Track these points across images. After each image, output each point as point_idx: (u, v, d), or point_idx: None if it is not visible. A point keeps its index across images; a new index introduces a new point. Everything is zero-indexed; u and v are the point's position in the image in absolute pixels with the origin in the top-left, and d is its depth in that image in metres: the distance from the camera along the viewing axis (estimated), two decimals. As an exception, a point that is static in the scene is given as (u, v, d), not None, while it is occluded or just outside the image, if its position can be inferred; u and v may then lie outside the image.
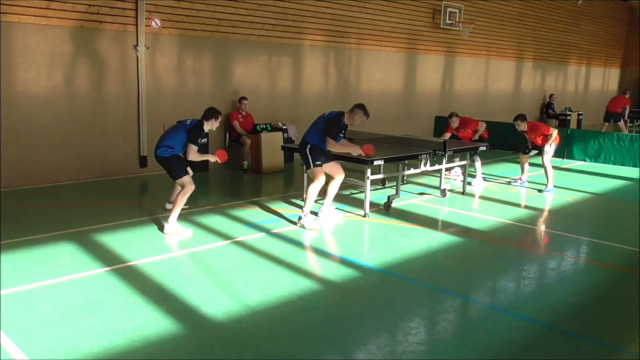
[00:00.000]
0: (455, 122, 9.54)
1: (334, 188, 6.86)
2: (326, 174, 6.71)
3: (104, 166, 9.24)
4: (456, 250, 6.09)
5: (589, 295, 4.99)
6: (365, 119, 6.68)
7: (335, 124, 6.57)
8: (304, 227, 6.54)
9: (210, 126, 6.42)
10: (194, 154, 6.25)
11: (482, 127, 9.60)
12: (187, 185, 6.28)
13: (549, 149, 8.82)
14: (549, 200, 8.47)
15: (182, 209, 6.82)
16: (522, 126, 8.89)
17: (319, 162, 6.66)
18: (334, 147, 6.64)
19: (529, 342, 4.03)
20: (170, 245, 5.91)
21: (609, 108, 16.71)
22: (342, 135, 6.69)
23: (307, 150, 6.66)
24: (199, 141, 6.32)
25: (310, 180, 6.80)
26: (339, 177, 6.82)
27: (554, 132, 8.84)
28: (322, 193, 6.92)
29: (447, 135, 9.56)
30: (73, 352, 3.62)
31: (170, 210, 6.32)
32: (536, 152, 9.11)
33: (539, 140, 8.90)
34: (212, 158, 6.47)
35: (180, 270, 5.26)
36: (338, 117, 6.62)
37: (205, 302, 4.43)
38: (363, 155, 6.72)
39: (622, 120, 16.58)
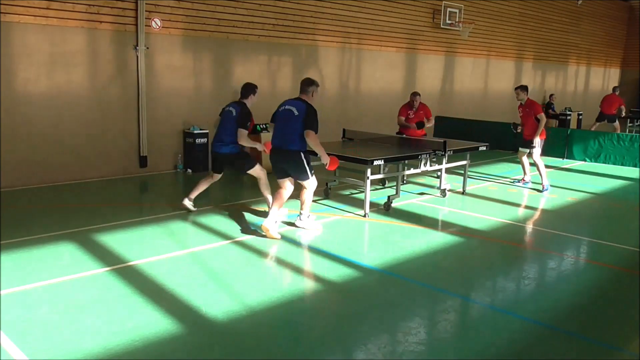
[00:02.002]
0: (417, 102, 9.52)
1: (309, 196, 6.29)
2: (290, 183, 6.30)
3: (104, 166, 9.24)
4: (456, 250, 6.09)
5: (589, 295, 4.99)
6: (318, 89, 6.17)
7: (315, 114, 5.94)
8: (305, 228, 6.49)
9: (252, 102, 6.63)
10: (244, 139, 6.35)
11: (432, 121, 9.89)
12: (260, 174, 6.57)
13: (538, 142, 8.89)
14: (549, 200, 8.46)
15: (184, 210, 6.84)
16: (522, 96, 9.00)
17: (311, 168, 6.20)
18: (313, 140, 5.94)
19: (529, 342, 4.03)
20: (170, 245, 5.90)
21: (603, 109, 15.86)
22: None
23: (304, 158, 6.02)
24: (248, 124, 6.48)
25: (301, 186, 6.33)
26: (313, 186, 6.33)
27: (544, 119, 8.90)
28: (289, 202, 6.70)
29: (402, 119, 9.51)
30: (73, 352, 3.62)
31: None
32: (526, 149, 9.08)
33: (529, 126, 8.95)
34: (259, 147, 6.60)
35: (180, 270, 5.26)
36: (311, 107, 5.96)
37: (205, 302, 4.43)
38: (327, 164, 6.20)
39: (617, 121, 15.84)
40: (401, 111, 9.55)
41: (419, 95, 9.60)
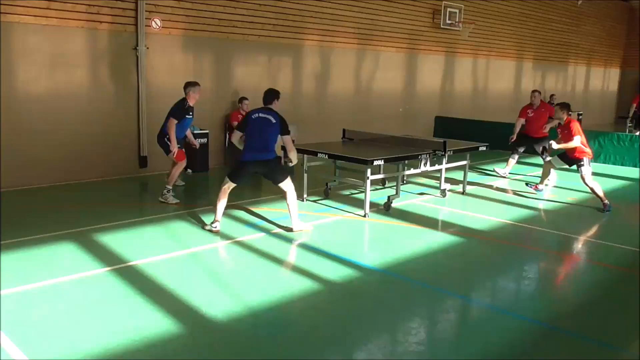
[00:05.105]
0: (537, 99, 9.43)
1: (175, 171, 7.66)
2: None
3: (104, 166, 9.23)
4: (456, 250, 6.09)
5: (589, 295, 4.99)
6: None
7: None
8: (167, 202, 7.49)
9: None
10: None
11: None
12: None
13: (587, 162, 7.74)
14: (549, 200, 8.45)
15: (183, 209, 6.84)
16: (561, 114, 7.76)
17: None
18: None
19: (529, 342, 4.04)
20: (170, 245, 5.90)
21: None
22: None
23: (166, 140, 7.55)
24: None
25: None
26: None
27: (576, 142, 7.65)
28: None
29: (521, 121, 9.66)
30: (73, 352, 3.62)
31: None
32: (566, 164, 8.21)
33: (571, 145, 7.69)
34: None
35: (180, 270, 5.26)
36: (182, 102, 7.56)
37: (206, 302, 4.43)
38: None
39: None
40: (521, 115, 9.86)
41: (538, 92, 9.79)
